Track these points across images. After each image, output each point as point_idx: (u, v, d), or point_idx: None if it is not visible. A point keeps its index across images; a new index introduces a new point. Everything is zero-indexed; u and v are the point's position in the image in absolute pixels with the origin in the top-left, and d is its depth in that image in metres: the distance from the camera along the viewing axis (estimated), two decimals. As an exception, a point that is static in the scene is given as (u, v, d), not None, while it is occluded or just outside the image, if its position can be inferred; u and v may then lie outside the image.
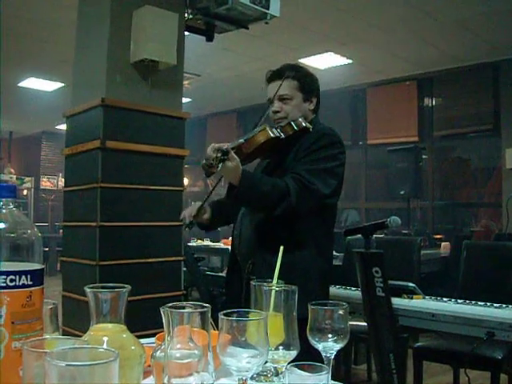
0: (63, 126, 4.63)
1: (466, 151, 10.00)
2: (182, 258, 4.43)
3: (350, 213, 10.58)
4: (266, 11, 4.47)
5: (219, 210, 2.90)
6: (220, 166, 2.38)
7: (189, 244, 8.09)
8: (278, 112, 2.77)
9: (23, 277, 1.07)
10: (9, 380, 1.03)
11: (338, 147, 2.69)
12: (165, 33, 4.11)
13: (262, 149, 2.62)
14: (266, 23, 4.67)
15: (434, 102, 9.96)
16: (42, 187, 16.87)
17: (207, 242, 9.00)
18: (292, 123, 2.66)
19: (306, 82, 2.80)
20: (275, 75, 2.81)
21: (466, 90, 9.40)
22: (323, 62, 9.19)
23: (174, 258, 4.32)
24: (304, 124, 2.67)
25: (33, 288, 1.08)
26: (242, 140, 2.59)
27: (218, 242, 8.95)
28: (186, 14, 4.54)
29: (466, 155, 9.99)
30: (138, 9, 4.13)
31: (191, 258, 5.85)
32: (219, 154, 2.37)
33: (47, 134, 16.64)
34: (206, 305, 1.05)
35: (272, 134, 2.60)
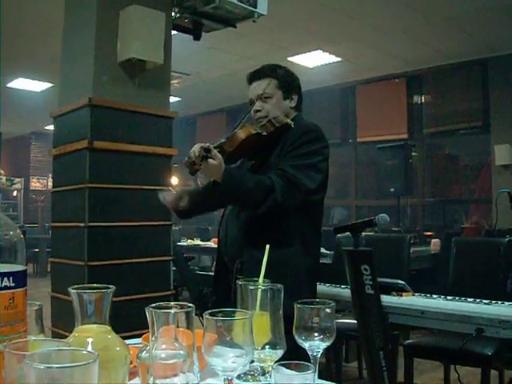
0: (52, 127, 4.61)
1: (455, 148, 10.04)
2: (171, 258, 4.42)
3: (336, 210, 10.59)
4: (254, 10, 4.47)
5: (196, 198, 2.87)
6: (202, 163, 2.40)
7: (179, 243, 8.08)
8: (258, 111, 2.78)
9: (5, 278, 1.06)
10: (-8, 383, 1.02)
11: (321, 142, 2.70)
12: (152, 32, 4.10)
13: (245, 147, 2.63)
14: (254, 21, 4.66)
15: (423, 99, 10.01)
16: (31, 188, 16.86)
17: (197, 242, 8.99)
18: (272, 120, 2.67)
19: (285, 79, 2.82)
20: (254, 76, 2.84)
21: (455, 87, 9.43)
22: (312, 60, 9.16)
23: (162, 258, 4.31)
24: (285, 120, 2.68)
25: (15, 290, 1.07)
26: (223, 139, 2.61)
27: (208, 241, 8.94)
28: (172, 13, 4.53)
29: (455, 152, 10.04)
30: (125, 8, 4.12)
31: (181, 258, 5.84)
32: (202, 152, 2.38)
33: (36, 135, 16.62)
34: (191, 304, 1.05)
35: (253, 131, 2.62)
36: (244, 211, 2.69)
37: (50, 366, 0.70)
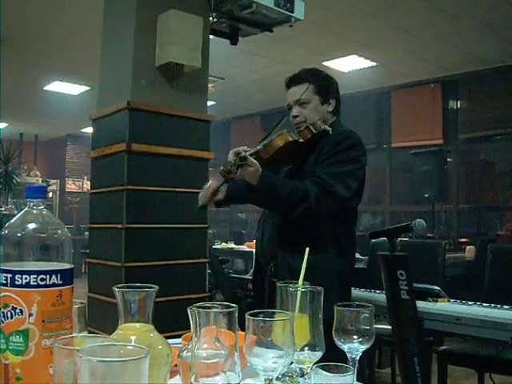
0: (88, 129, 4.69)
1: (491, 154, 9.91)
2: (206, 260, 4.44)
3: (363, 216, 10.52)
4: (291, 14, 4.48)
5: (235, 189, 2.84)
6: (238, 171, 2.41)
7: (213, 246, 8.13)
8: (296, 116, 2.78)
9: (53, 276, 1.08)
10: (39, 378, 1.04)
11: (358, 149, 2.69)
12: (190, 36, 4.13)
13: (282, 154, 2.62)
14: (291, 26, 4.68)
15: (458, 105, 9.89)
16: (67, 190, 17.02)
17: (231, 245, 9.03)
18: (310, 127, 2.66)
19: (323, 84, 2.81)
20: (292, 81, 2.84)
21: (491, 93, 9.32)
22: (347, 65, 9.18)
23: (198, 260, 4.33)
24: (323, 127, 2.67)
25: (63, 287, 1.10)
26: (260, 146, 2.60)
27: (241, 244, 8.99)
28: (210, 18, 4.56)
29: (491, 158, 9.90)
30: (163, 13, 4.16)
31: (216, 261, 5.87)
32: (238, 161, 2.40)
33: (72, 137, 16.80)
34: (233, 305, 1.06)
35: (290, 138, 2.61)
36: (280, 216, 2.70)
37: (103, 359, 0.71)
